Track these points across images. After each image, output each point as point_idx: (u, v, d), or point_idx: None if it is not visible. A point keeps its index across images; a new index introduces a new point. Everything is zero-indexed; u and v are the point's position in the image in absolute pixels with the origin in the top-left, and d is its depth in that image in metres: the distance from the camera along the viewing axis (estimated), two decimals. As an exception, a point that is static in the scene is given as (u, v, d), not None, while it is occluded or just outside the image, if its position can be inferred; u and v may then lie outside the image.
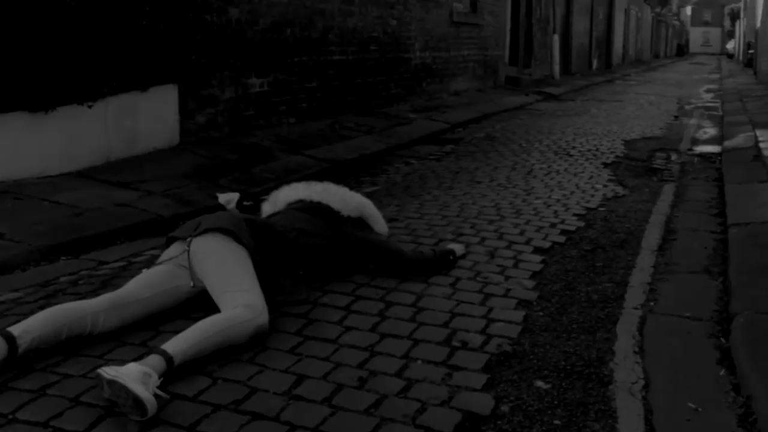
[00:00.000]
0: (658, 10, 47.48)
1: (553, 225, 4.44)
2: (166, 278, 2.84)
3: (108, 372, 2.16)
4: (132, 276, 2.97)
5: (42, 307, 2.80)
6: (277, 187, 3.82)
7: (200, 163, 5.71)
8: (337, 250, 3.34)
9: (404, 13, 10.11)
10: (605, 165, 6.64)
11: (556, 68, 18.28)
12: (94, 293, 3.08)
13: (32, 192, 4.56)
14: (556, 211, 4.79)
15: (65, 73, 4.92)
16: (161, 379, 2.24)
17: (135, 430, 2.10)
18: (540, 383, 2.43)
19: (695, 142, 8.35)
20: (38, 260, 3.66)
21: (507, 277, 3.47)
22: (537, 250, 3.91)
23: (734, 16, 56.15)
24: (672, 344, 2.74)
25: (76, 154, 5.13)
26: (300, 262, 3.17)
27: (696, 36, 79.57)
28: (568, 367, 2.54)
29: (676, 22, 64.69)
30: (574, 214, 4.73)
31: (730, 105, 12.41)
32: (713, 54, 67.25)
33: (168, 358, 2.30)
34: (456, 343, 2.72)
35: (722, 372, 2.51)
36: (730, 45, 51.02)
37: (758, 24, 20.97)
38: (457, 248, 3.74)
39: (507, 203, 5.00)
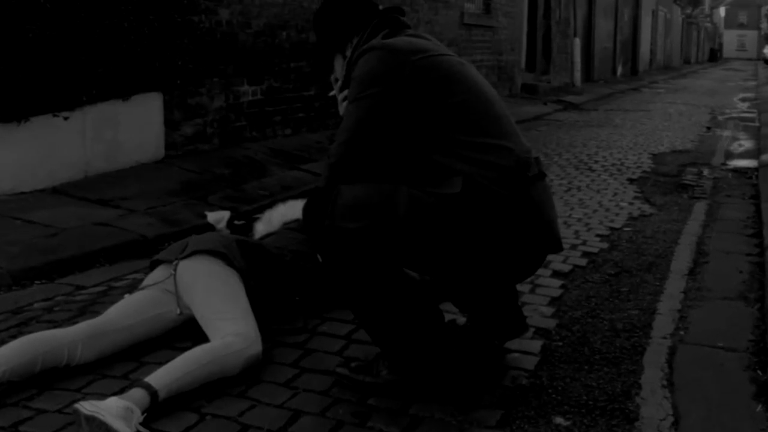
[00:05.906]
0: (688, 11, 47.67)
1: (573, 246, 4.46)
2: (150, 305, 2.86)
3: (86, 407, 2.17)
4: (113, 302, 2.99)
5: (14, 336, 2.82)
6: (271, 205, 3.85)
7: (187, 178, 5.75)
8: (337, 273, 3.35)
9: (411, 14, 10.18)
10: (631, 181, 6.67)
11: (578, 75, 18.36)
12: (71, 321, 3.10)
13: (3, 210, 4.59)
14: (577, 231, 4.82)
15: (39, 80, 4.96)
16: (144, 414, 2.25)
17: (116, 470, 2.11)
18: (559, 420, 2.44)
19: (729, 155, 8.38)
20: (10, 285, 3.68)
21: (523, 304, 3.46)
22: (556, 274, 3.93)
23: (772, 18, 56.39)
24: (704, 377, 2.75)
25: (52, 169, 5.16)
26: (297, 287, 3.19)
27: (730, 39, 79.92)
28: (590, 402, 2.55)
29: (709, 25, 64.95)
30: (597, 235, 4.75)
31: (768, 115, 12.45)
32: (749, 59, 67.56)
33: (152, 392, 2.32)
34: (467, 376, 2.72)
35: (759, 408, 2.52)
36: (768, 50, 51.31)
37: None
38: (469, 272, 3.74)
39: (523, 223, 5.01)
